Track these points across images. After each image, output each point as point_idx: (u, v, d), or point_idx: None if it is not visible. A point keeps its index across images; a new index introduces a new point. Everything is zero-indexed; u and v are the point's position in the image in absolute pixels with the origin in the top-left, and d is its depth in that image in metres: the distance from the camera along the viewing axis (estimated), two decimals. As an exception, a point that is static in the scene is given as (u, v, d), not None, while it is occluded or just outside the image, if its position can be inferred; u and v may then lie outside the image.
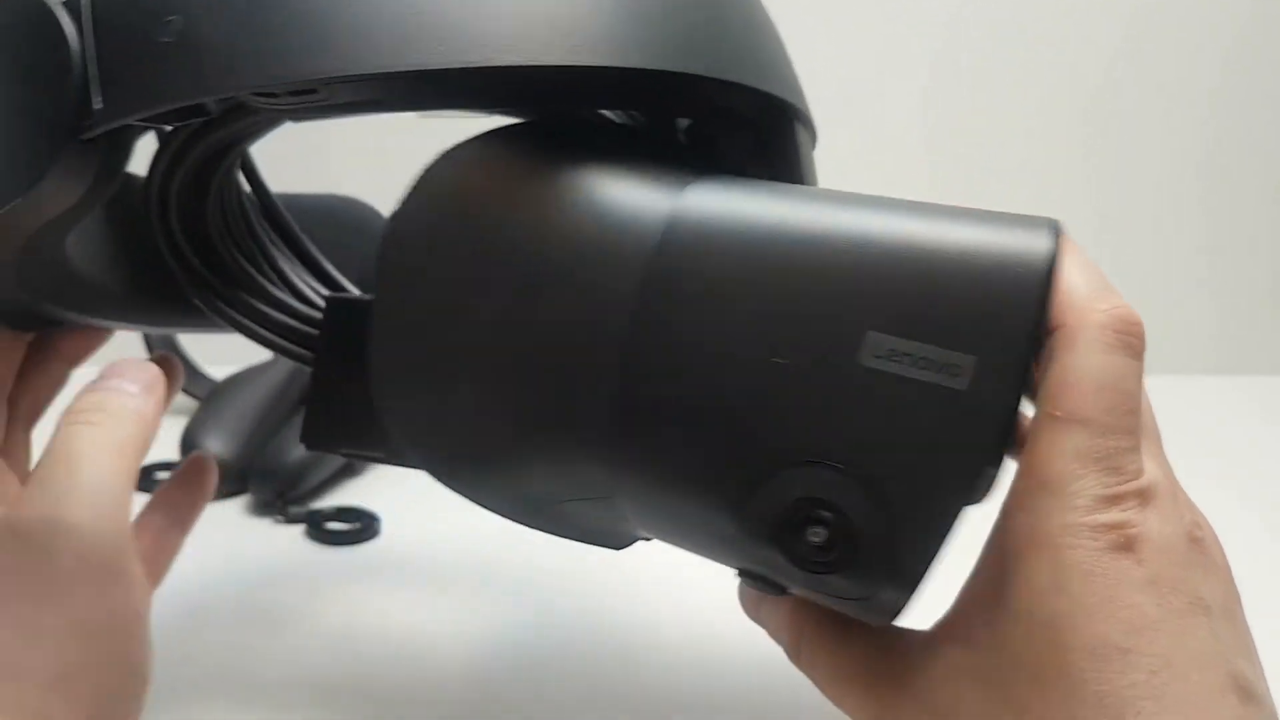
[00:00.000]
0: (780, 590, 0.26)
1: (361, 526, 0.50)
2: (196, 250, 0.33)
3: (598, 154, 0.27)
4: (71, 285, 0.32)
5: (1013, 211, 0.25)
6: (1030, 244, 0.23)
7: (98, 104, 0.25)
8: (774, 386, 0.23)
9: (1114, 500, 0.23)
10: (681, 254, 0.25)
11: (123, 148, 0.28)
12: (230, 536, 0.50)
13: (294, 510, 0.51)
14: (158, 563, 0.35)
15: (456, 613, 0.44)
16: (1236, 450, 0.70)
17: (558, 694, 0.39)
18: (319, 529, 0.50)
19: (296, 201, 0.38)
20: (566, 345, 0.25)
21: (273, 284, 0.34)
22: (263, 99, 0.26)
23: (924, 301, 0.23)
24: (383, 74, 0.25)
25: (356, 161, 0.73)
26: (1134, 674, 0.22)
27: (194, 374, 0.72)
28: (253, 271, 0.34)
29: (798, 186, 0.29)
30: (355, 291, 0.37)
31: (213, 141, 0.31)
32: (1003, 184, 0.84)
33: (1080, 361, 0.24)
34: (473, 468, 0.29)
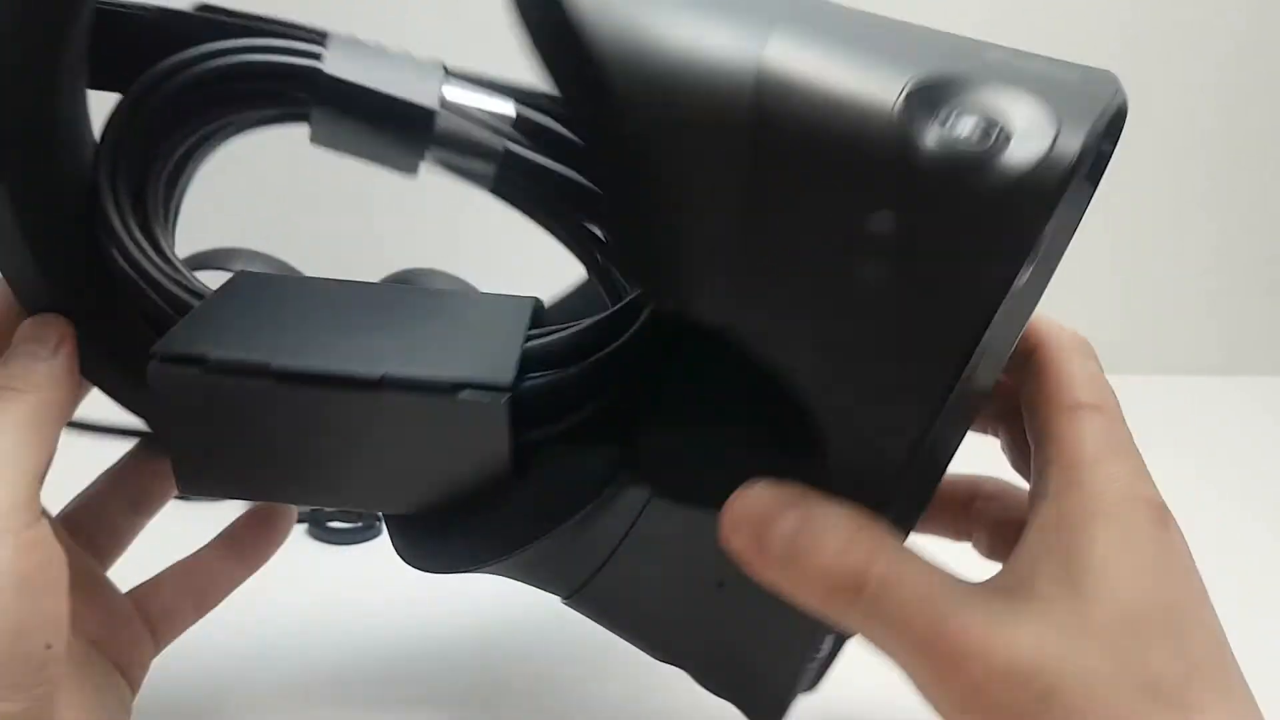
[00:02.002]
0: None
1: (363, 525, 0.50)
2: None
3: None
4: None
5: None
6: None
7: None
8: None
9: (1147, 478, 0.24)
10: None
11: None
12: (232, 535, 0.50)
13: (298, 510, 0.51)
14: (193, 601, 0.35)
15: (458, 610, 0.44)
16: (1239, 451, 0.70)
17: (562, 691, 0.39)
18: (321, 527, 0.50)
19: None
20: None
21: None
22: None
23: None
24: None
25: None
26: (1205, 639, 0.22)
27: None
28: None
29: None
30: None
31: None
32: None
33: (1075, 365, 0.26)
34: None
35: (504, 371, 0.27)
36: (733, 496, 0.23)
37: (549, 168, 0.32)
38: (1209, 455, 0.67)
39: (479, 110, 0.32)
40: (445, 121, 0.31)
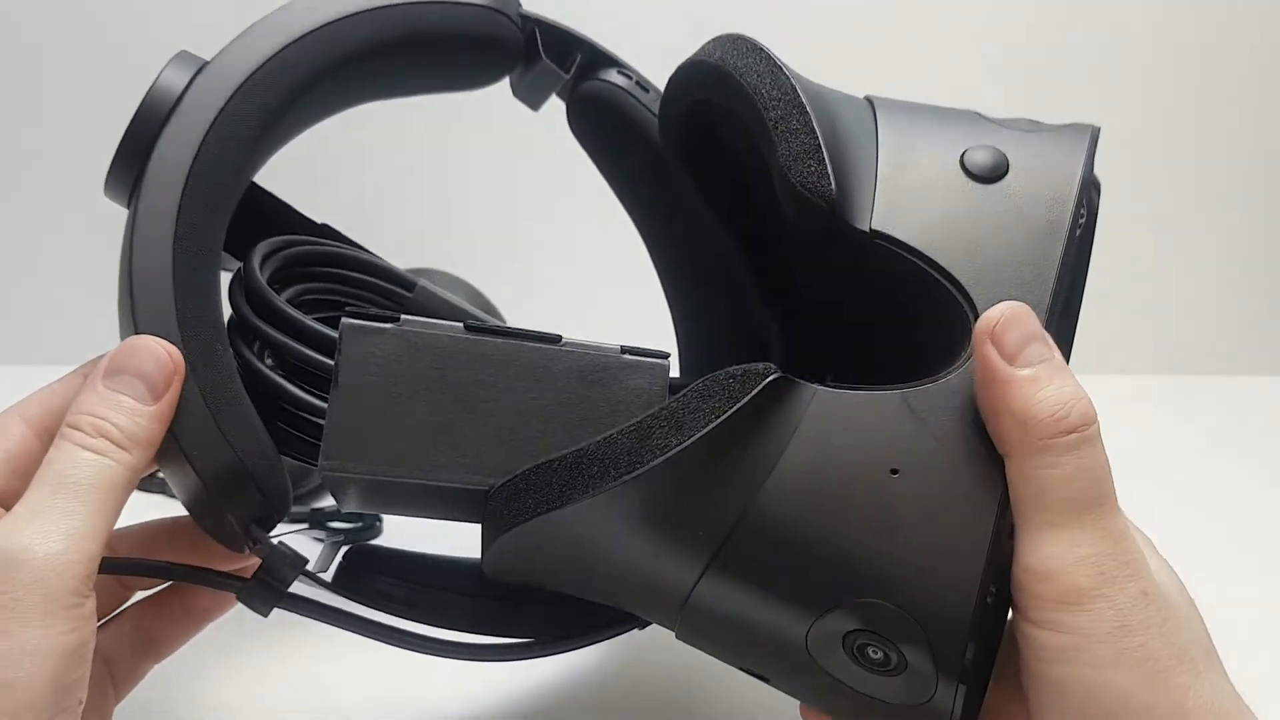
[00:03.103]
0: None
1: (363, 525, 0.50)
2: None
3: None
4: None
5: None
6: None
7: None
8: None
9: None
10: None
11: None
12: (232, 535, 0.50)
13: (296, 510, 0.51)
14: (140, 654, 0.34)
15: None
16: (1247, 449, 0.69)
17: (561, 692, 0.39)
18: (321, 528, 0.50)
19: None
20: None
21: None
22: None
23: None
24: None
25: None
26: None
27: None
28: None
29: None
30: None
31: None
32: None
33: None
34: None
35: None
36: (996, 308, 0.27)
37: None
38: (1218, 453, 0.67)
39: None
40: None
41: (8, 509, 0.28)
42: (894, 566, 0.26)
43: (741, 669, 0.30)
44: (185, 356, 0.29)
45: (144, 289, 0.29)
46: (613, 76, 0.40)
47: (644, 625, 0.34)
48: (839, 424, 0.27)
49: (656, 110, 0.39)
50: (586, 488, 0.27)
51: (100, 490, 0.27)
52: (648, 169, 0.40)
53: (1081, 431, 0.26)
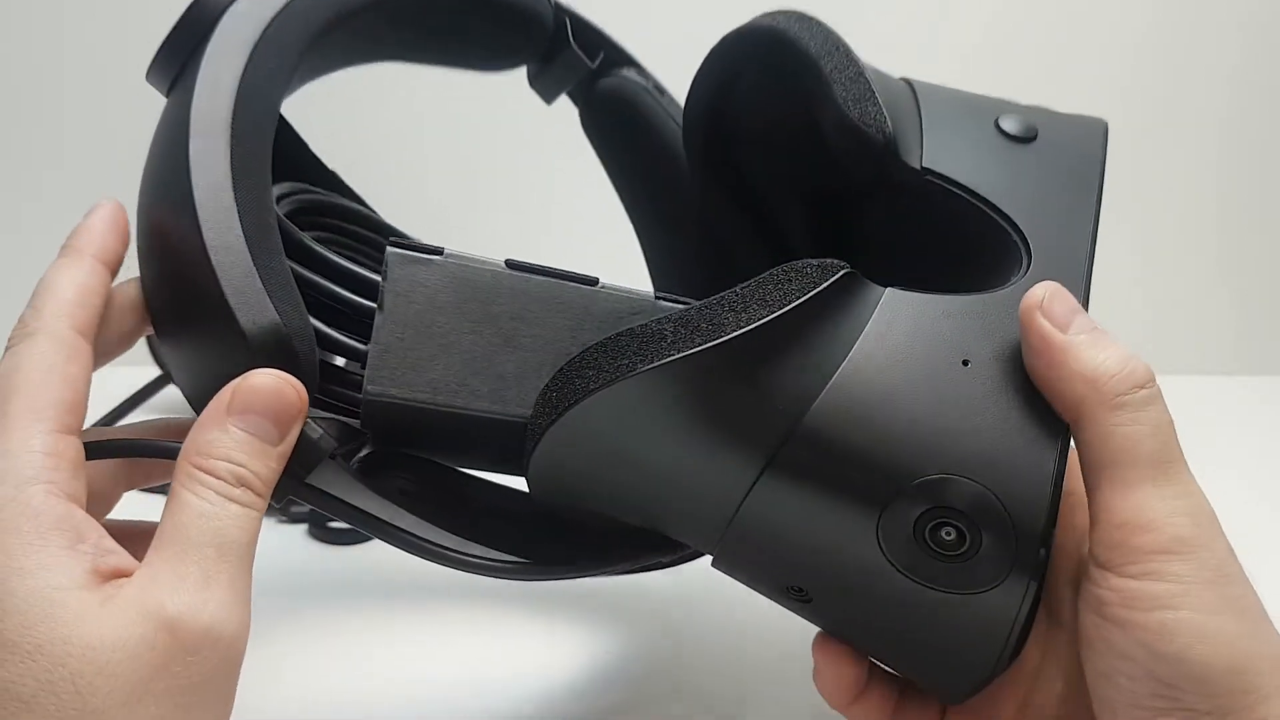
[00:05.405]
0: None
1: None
2: None
3: None
4: None
5: None
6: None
7: None
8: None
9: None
10: None
11: None
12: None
13: (296, 509, 0.51)
14: None
15: (459, 611, 0.44)
16: (1248, 449, 0.69)
17: (561, 693, 0.39)
18: (322, 528, 0.50)
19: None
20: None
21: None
22: None
23: None
24: None
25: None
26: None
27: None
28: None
29: None
30: None
31: None
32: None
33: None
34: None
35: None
36: (1036, 286, 0.28)
37: None
38: (1220, 454, 0.66)
39: None
40: None
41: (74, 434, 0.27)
42: (970, 442, 0.26)
43: (784, 589, 0.29)
44: (235, 205, 0.28)
45: (200, 136, 0.29)
46: (633, 75, 0.42)
47: (671, 563, 0.33)
48: (909, 318, 0.28)
49: (671, 112, 0.41)
50: (650, 358, 0.26)
51: (253, 548, 0.26)
52: (659, 167, 0.41)
53: (1149, 388, 0.26)
